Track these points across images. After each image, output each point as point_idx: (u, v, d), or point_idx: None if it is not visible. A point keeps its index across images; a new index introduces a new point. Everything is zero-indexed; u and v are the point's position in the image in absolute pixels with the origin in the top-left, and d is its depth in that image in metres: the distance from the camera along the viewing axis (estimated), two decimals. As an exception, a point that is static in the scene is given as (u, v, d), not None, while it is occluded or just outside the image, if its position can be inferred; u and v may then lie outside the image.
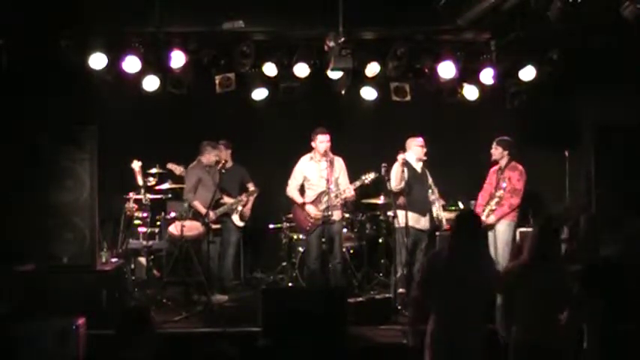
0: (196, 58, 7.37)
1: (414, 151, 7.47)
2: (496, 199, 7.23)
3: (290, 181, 7.53)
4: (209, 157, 7.69)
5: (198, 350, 3.56)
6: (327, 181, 7.29)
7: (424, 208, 7.45)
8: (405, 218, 7.18)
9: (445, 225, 7.45)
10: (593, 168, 7.12)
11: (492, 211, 7.19)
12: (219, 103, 8.02)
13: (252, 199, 8.01)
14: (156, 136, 8.38)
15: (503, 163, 7.40)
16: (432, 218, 7.50)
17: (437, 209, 7.49)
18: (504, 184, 7.18)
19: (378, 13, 6.96)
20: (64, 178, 6.52)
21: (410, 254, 7.30)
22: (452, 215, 7.62)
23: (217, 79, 7.55)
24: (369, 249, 8.33)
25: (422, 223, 7.46)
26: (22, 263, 6.49)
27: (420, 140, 7.51)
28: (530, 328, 4.32)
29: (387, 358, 5.91)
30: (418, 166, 7.52)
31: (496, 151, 7.43)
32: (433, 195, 7.49)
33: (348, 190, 7.34)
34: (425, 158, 7.51)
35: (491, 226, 7.20)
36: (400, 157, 7.22)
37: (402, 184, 7.20)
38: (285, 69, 7.52)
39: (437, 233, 7.58)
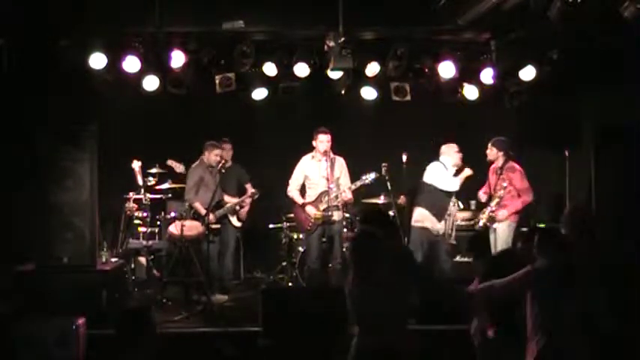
0: (196, 58, 7.37)
1: (453, 157, 7.55)
2: (496, 200, 7.25)
3: (291, 182, 7.54)
4: (209, 156, 7.69)
5: (198, 350, 3.57)
6: (328, 180, 7.30)
7: (441, 213, 7.47)
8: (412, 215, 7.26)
9: (453, 238, 7.45)
10: (593, 168, 7.11)
11: (493, 212, 7.22)
12: (219, 103, 8.02)
13: (250, 200, 8.01)
14: (156, 136, 8.38)
15: (499, 163, 7.42)
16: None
17: (450, 223, 7.47)
18: (504, 184, 7.21)
19: (378, 13, 6.96)
20: (64, 178, 6.50)
21: (426, 256, 7.34)
22: (466, 215, 7.63)
23: (217, 79, 7.54)
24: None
25: (437, 226, 7.47)
26: (22, 263, 6.49)
27: (456, 147, 7.59)
28: None
29: (386, 358, 5.91)
30: (451, 173, 7.57)
31: (491, 152, 7.46)
32: (454, 207, 7.48)
33: (344, 193, 7.35)
34: (460, 164, 7.58)
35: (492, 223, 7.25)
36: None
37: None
38: (285, 69, 7.52)
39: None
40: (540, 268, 4.31)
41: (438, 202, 7.45)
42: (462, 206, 7.89)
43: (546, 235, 4.51)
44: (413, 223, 7.49)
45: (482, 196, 7.53)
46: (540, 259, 4.37)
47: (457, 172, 7.57)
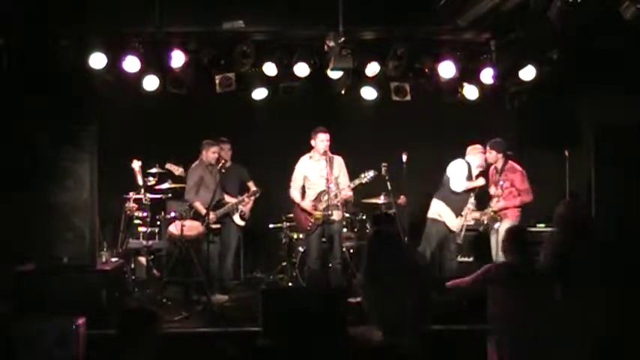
0: (196, 58, 7.38)
1: (478, 157, 7.51)
2: (495, 199, 7.27)
3: (292, 183, 7.53)
4: (207, 154, 7.70)
5: (198, 350, 3.56)
6: (327, 180, 7.29)
7: (458, 210, 7.45)
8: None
9: (461, 237, 7.44)
10: (593, 168, 7.12)
11: (495, 212, 7.23)
12: (219, 103, 8.02)
13: (253, 199, 8.01)
14: (156, 136, 8.38)
15: (499, 165, 7.43)
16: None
17: (464, 221, 7.45)
18: (505, 185, 7.21)
19: (378, 13, 6.97)
20: (64, 178, 6.49)
21: (435, 251, 7.36)
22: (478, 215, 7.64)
23: (217, 79, 7.56)
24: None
25: (453, 222, 7.45)
26: (22, 263, 6.49)
27: (481, 148, 7.56)
28: None
29: (386, 358, 5.90)
30: (474, 173, 7.55)
31: (490, 155, 7.46)
32: (467, 208, 7.43)
33: (344, 190, 7.35)
34: (485, 165, 7.56)
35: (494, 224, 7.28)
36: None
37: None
38: (285, 69, 7.53)
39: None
40: (503, 265, 4.37)
41: (456, 199, 7.43)
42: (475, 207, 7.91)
43: (512, 234, 4.58)
44: (430, 214, 7.49)
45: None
46: (507, 256, 4.43)
47: (478, 175, 7.54)
